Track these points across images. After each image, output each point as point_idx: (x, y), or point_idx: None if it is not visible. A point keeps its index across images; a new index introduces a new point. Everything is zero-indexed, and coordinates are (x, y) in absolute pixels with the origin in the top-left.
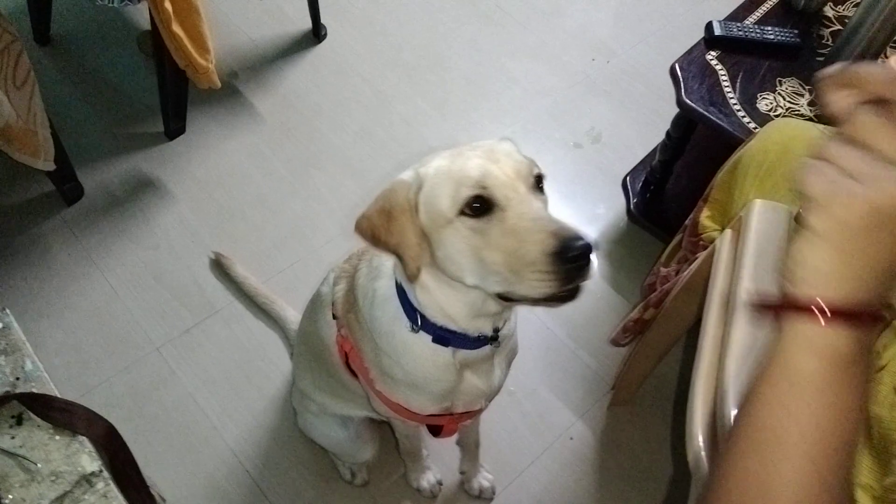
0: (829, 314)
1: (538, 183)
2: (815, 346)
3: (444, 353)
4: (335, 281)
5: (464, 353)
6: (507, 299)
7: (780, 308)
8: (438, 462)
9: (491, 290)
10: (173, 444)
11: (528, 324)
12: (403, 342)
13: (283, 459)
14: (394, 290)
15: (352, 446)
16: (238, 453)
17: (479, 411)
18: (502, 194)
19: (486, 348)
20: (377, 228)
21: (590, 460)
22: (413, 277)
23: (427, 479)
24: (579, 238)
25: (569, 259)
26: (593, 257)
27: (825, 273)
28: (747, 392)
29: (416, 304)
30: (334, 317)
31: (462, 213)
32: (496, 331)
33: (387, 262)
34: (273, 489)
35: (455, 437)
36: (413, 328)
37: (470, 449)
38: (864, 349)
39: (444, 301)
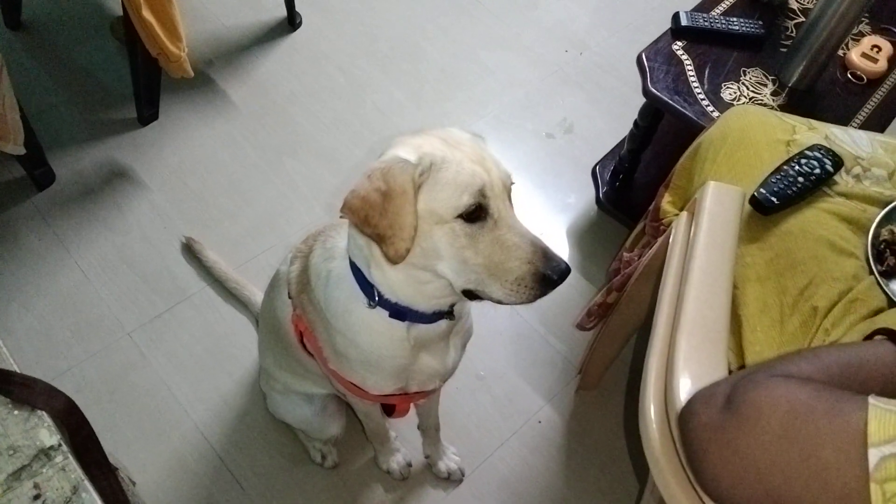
0: None
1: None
2: None
3: (400, 328)
4: (291, 261)
5: (419, 330)
6: (470, 294)
7: None
8: (407, 444)
9: (460, 285)
10: (144, 429)
11: (499, 310)
12: (361, 319)
13: (253, 443)
14: (349, 270)
15: (319, 422)
16: (209, 437)
17: (433, 391)
18: (496, 206)
19: (442, 325)
20: (371, 208)
21: (557, 443)
22: (398, 259)
23: (396, 461)
24: (560, 263)
25: (550, 282)
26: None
27: None
28: None
29: (373, 282)
30: (290, 296)
31: (459, 216)
32: (451, 305)
33: (340, 243)
34: (243, 473)
35: (416, 420)
36: (370, 304)
37: (430, 433)
38: None
39: (401, 284)
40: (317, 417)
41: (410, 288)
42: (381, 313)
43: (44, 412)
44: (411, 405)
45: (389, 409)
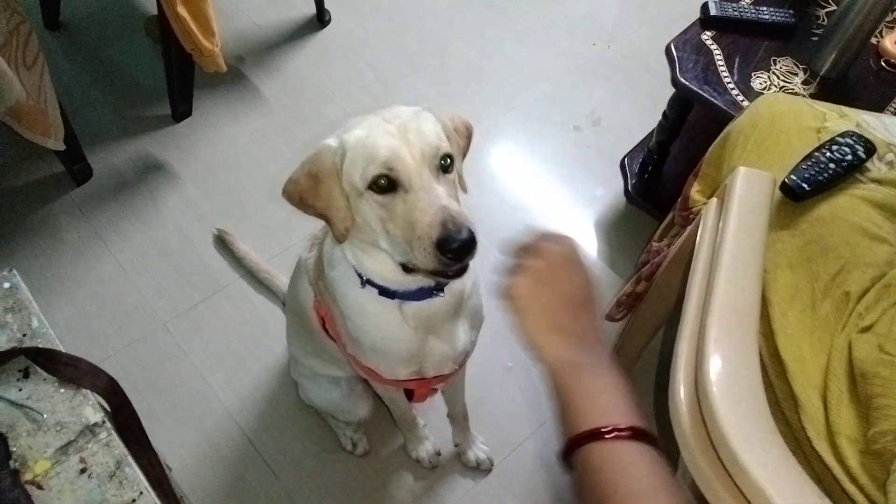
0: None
1: (444, 163)
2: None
3: (392, 306)
4: (310, 248)
5: (413, 309)
6: (407, 269)
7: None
8: (437, 433)
9: (396, 258)
10: (179, 416)
11: None
12: (356, 299)
13: (285, 430)
14: (342, 254)
15: (347, 404)
16: (242, 424)
17: (450, 375)
18: (406, 177)
19: (438, 304)
20: (305, 192)
21: None
22: (342, 238)
23: (425, 450)
24: (460, 231)
25: (449, 250)
26: (473, 247)
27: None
28: None
29: (352, 263)
30: (310, 283)
31: (370, 187)
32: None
33: None
34: (275, 459)
35: (445, 409)
36: (361, 283)
37: (459, 420)
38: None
39: (370, 261)
40: (345, 400)
41: (373, 264)
42: (372, 292)
43: (88, 391)
44: (436, 391)
45: (409, 394)
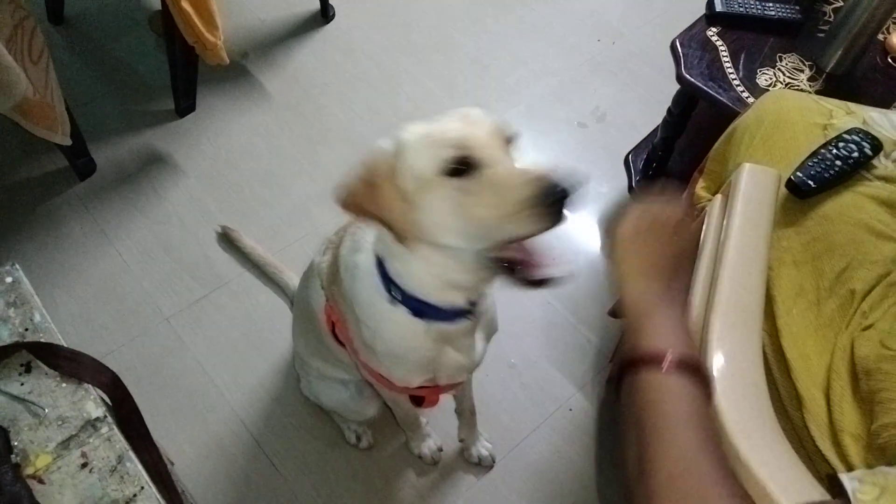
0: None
1: (512, 143)
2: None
3: (420, 325)
4: (323, 251)
5: (440, 327)
6: (499, 263)
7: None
8: (438, 429)
9: (483, 251)
10: (182, 411)
11: (531, 299)
12: (382, 313)
13: (288, 425)
14: (373, 264)
15: (355, 404)
16: (244, 419)
17: (461, 383)
18: (483, 153)
19: (464, 322)
20: (361, 198)
21: (588, 431)
22: (405, 238)
23: (427, 446)
24: (563, 175)
25: (556, 192)
26: (577, 192)
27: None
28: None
29: (392, 275)
30: (322, 287)
31: (445, 174)
32: (472, 304)
33: (367, 235)
34: (279, 454)
35: (448, 406)
36: (392, 300)
37: (466, 416)
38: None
39: (419, 271)
40: (353, 401)
41: (431, 277)
42: (402, 310)
43: (90, 385)
44: (441, 395)
45: (419, 401)
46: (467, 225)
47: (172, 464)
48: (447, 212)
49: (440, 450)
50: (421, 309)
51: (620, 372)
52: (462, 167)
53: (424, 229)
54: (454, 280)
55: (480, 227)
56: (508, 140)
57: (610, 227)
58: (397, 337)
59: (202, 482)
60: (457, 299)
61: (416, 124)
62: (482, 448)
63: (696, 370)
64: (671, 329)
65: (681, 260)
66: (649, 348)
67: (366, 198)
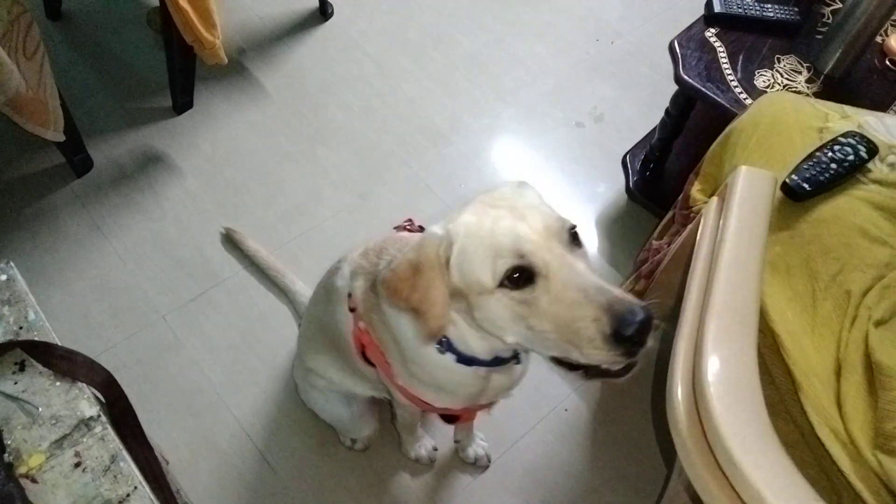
0: None
1: (573, 236)
2: None
3: (468, 369)
4: (352, 276)
5: (489, 369)
6: (560, 363)
7: None
8: (432, 430)
9: (543, 354)
10: (177, 409)
11: None
12: (428, 357)
13: (283, 425)
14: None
15: (353, 424)
16: (240, 419)
17: (490, 406)
18: (541, 260)
19: (511, 365)
20: (401, 281)
21: (583, 431)
22: (432, 337)
23: (423, 447)
24: (634, 312)
25: (626, 338)
26: (651, 323)
27: None
28: None
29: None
30: (351, 310)
31: (502, 284)
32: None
33: None
34: (274, 454)
35: None
36: (440, 350)
37: None
38: None
39: (472, 342)
40: (353, 420)
41: (478, 345)
42: (450, 357)
43: (84, 384)
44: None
45: (452, 419)
46: (528, 333)
47: (167, 462)
48: (504, 317)
49: (435, 449)
50: (468, 360)
51: None
52: (520, 276)
53: (480, 323)
54: (502, 351)
55: (541, 339)
56: (570, 233)
57: None
58: (444, 377)
59: (197, 480)
60: (503, 354)
61: (466, 211)
62: (478, 448)
63: None
64: None
65: None
66: None
67: (405, 281)
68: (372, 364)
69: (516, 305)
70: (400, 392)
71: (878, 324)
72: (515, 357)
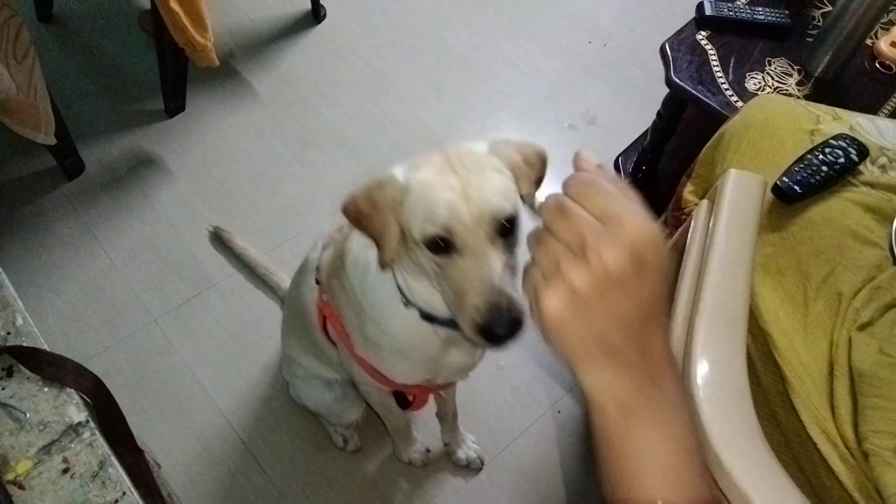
0: None
1: (506, 227)
2: None
3: (429, 327)
4: (323, 247)
5: (447, 331)
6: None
7: None
8: (425, 431)
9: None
10: (169, 413)
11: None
12: (396, 313)
13: (276, 428)
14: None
15: (338, 407)
16: (232, 422)
17: (448, 386)
18: (462, 242)
19: None
20: (362, 214)
21: (576, 433)
22: (385, 267)
23: (416, 450)
24: (502, 322)
25: (491, 335)
26: (517, 334)
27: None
28: None
29: (399, 284)
30: (318, 282)
31: (426, 244)
32: None
33: None
34: (266, 457)
35: (433, 408)
36: (405, 303)
37: (448, 420)
38: None
39: (417, 286)
40: (337, 403)
41: (420, 289)
42: (413, 312)
43: (72, 390)
44: (431, 396)
45: (404, 403)
46: (440, 288)
47: (160, 466)
48: (428, 269)
49: (428, 451)
50: (429, 315)
51: None
52: (440, 244)
53: (413, 266)
54: (441, 305)
55: (446, 297)
56: (502, 224)
57: (529, 303)
58: (406, 335)
59: (189, 484)
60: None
61: (431, 162)
62: (469, 450)
63: None
64: (659, 458)
65: (653, 298)
66: (635, 498)
67: (365, 216)
68: (333, 342)
69: (431, 263)
70: (360, 366)
71: (863, 327)
72: None
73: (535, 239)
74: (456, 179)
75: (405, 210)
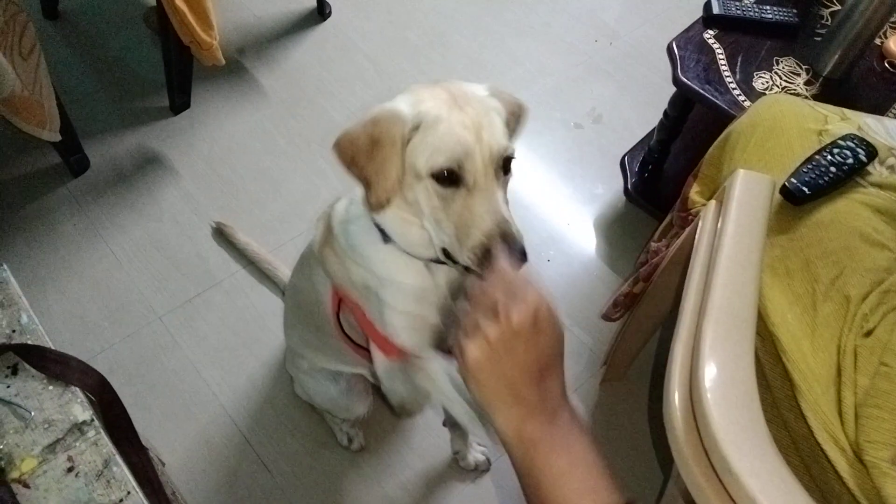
0: None
1: (507, 163)
2: None
3: (416, 262)
4: (316, 224)
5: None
6: (445, 253)
7: None
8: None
9: (437, 243)
10: (174, 410)
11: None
12: (377, 251)
13: (280, 426)
14: (364, 212)
15: (345, 401)
16: (236, 420)
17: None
18: (472, 176)
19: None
20: (359, 152)
21: None
22: (378, 207)
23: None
24: (513, 245)
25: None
26: (526, 260)
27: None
28: None
29: (378, 223)
30: (315, 253)
31: (433, 177)
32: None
33: (357, 190)
34: (270, 455)
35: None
36: (384, 239)
37: (459, 428)
38: None
39: (402, 228)
40: (343, 396)
41: (399, 227)
42: (393, 247)
43: (77, 388)
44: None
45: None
46: (436, 223)
47: (164, 464)
48: (424, 203)
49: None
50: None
51: None
52: (449, 178)
53: (407, 205)
54: (419, 242)
55: (443, 232)
56: (506, 160)
57: (455, 350)
58: (405, 274)
59: (193, 482)
60: (428, 255)
61: (434, 98)
62: (477, 453)
63: None
64: (575, 476)
65: (551, 351)
66: None
67: (364, 153)
68: (346, 335)
69: (436, 198)
70: (377, 343)
71: (869, 333)
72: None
73: (461, 309)
74: (467, 118)
75: (413, 145)
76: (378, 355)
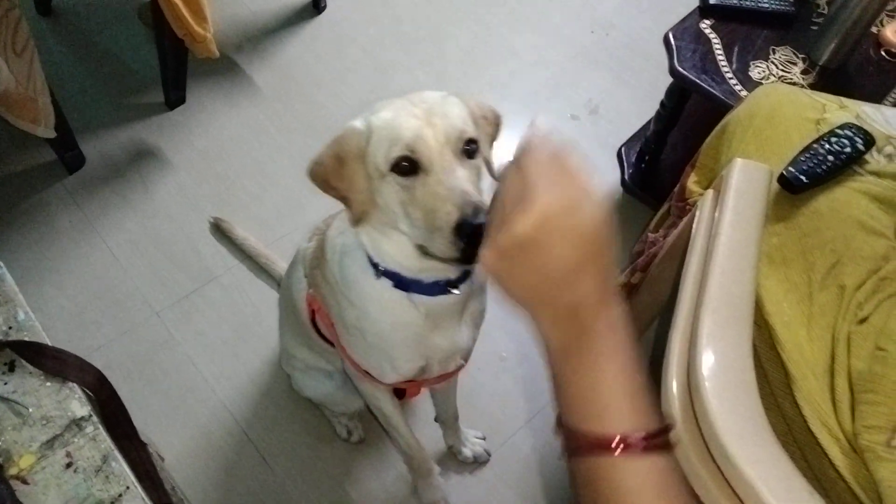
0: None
1: (469, 148)
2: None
3: (405, 297)
4: (310, 238)
5: (427, 303)
6: (426, 253)
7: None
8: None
9: (414, 241)
10: (172, 406)
11: None
12: (369, 287)
13: (279, 420)
14: (358, 242)
15: (341, 395)
16: (235, 414)
17: (452, 374)
18: (427, 159)
19: (451, 300)
20: (329, 173)
21: None
22: (357, 222)
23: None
24: (476, 217)
25: (465, 234)
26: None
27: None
28: None
29: (367, 250)
30: (305, 274)
31: (392, 169)
32: (454, 281)
33: None
34: (269, 449)
35: (433, 414)
36: (377, 273)
37: (450, 423)
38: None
39: (387, 244)
40: (338, 391)
41: (390, 247)
42: (386, 283)
43: (75, 384)
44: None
45: (400, 393)
46: (407, 219)
47: (163, 459)
48: (393, 202)
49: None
50: (402, 280)
51: (566, 450)
52: (407, 166)
53: (380, 211)
54: (410, 254)
55: (415, 227)
56: (466, 144)
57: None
58: (384, 311)
59: (192, 477)
60: (429, 275)
61: (388, 106)
62: (475, 446)
63: (657, 438)
64: (605, 393)
65: (583, 246)
66: (592, 432)
67: (333, 173)
68: (323, 337)
69: (401, 191)
70: (346, 361)
71: (863, 321)
72: (453, 286)
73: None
74: (417, 109)
75: (370, 149)
76: (345, 358)
